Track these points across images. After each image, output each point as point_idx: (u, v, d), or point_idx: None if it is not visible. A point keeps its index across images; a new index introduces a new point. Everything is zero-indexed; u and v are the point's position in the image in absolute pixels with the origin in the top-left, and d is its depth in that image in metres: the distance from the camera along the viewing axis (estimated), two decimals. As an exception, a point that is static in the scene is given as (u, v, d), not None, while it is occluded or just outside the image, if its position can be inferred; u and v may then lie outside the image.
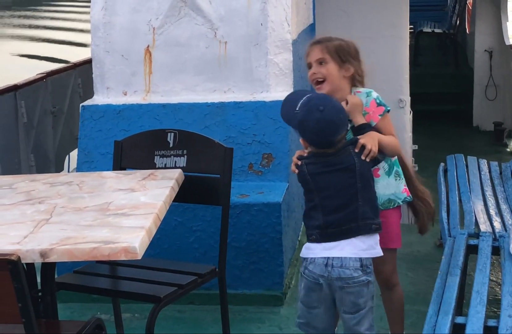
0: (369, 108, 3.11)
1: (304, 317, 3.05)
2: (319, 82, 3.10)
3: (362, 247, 2.94)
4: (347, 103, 3.06)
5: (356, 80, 3.15)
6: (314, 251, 2.97)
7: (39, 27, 23.72)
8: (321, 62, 3.08)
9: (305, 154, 3.02)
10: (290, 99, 3.02)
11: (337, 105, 2.94)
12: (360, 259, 2.93)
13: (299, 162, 3.00)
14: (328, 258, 2.93)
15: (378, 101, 3.13)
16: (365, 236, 2.95)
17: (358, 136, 3.01)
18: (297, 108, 2.91)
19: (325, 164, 2.96)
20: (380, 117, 3.10)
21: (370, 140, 2.99)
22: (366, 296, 2.95)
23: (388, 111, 3.14)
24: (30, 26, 24.04)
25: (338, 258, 2.93)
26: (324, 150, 2.96)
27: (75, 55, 7.12)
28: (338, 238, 2.94)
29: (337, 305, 2.99)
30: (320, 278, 2.94)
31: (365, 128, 3.04)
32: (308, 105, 2.90)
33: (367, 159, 2.97)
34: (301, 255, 3.03)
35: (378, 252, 2.99)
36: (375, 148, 2.98)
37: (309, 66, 3.13)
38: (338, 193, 2.95)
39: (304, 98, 2.92)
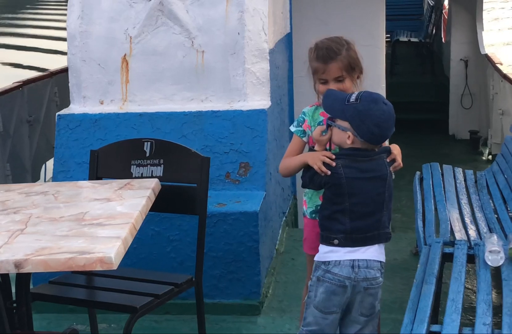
0: None
1: (316, 324, 3.02)
2: None
3: (380, 252, 3.03)
4: None
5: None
6: (337, 254, 2.98)
7: (22, 35, 23.62)
8: (339, 80, 3.12)
9: (333, 156, 3.00)
10: (333, 93, 3.04)
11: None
12: (380, 262, 3.01)
13: (333, 164, 2.97)
14: (354, 260, 2.96)
15: None
16: (381, 244, 3.05)
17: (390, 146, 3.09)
18: (353, 100, 2.93)
19: (361, 169, 2.97)
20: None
21: (399, 154, 3.10)
22: (379, 298, 3.05)
23: None
24: (13, 34, 23.94)
25: (363, 259, 2.98)
26: (371, 147, 2.96)
27: (59, 63, 7.08)
28: (362, 243, 2.99)
29: (355, 308, 3.01)
30: (346, 280, 2.95)
31: None
32: (371, 97, 2.94)
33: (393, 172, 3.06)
34: (320, 259, 3.01)
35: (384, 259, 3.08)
36: (401, 163, 3.09)
37: (323, 81, 3.12)
38: (368, 200, 2.99)
39: (360, 92, 2.96)
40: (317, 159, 3.02)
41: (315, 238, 3.18)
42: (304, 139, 3.20)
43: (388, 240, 3.06)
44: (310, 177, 3.04)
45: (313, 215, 3.22)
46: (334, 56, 3.12)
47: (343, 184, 2.95)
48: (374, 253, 3.01)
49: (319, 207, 3.16)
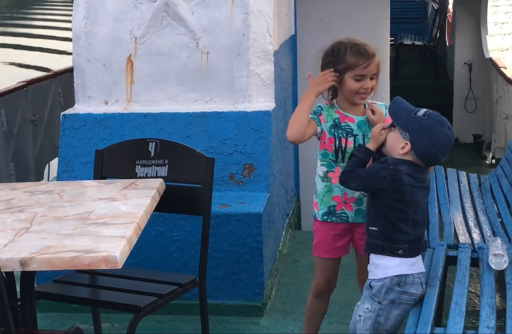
0: (387, 120, 3.16)
1: None
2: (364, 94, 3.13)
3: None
4: (373, 112, 3.12)
5: None
6: (403, 267, 2.93)
7: (29, 35, 23.64)
8: (373, 77, 3.11)
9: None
10: (402, 101, 3.03)
11: None
12: None
13: (336, 74, 3.04)
14: (419, 275, 2.96)
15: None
16: None
17: None
18: (421, 114, 2.92)
19: (420, 179, 2.95)
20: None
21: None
22: None
23: None
24: (20, 35, 23.96)
25: (422, 273, 2.99)
26: (420, 164, 2.94)
27: (66, 63, 7.09)
28: (417, 253, 2.98)
29: None
30: (418, 298, 2.96)
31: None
32: (439, 118, 2.93)
33: None
34: (391, 274, 2.92)
35: None
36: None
37: (360, 77, 3.09)
38: (423, 208, 2.99)
39: (429, 110, 2.95)
40: (322, 80, 3.03)
41: (331, 241, 3.17)
42: (318, 128, 3.15)
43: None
44: (364, 176, 2.95)
45: (325, 217, 3.19)
46: (374, 52, 3.12)
47: (406, 191, 2.91)
48: (422, 263, 3.01)
49: (331, 208, 3.14)
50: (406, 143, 2.92)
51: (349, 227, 3.21)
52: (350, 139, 3.15)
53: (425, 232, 3.10)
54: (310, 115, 3.13)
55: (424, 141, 2.90)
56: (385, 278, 2.93)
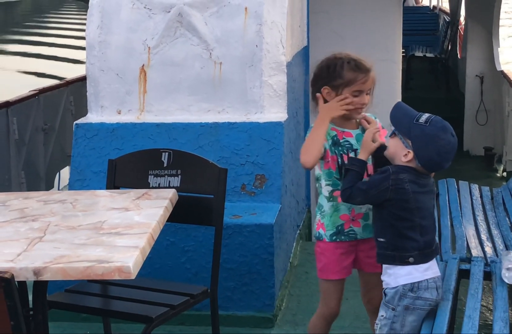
0: (383, 131, 3.15)
1: None
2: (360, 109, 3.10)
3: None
4: (368, 122, 3.09)
5: None
6: (415, 275, 2.89)
7: (44, 44, 23.76)
8: (368, 93, 3.08)
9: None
10: (404, 107, 2.98)
11: None
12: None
13: (350, 100, 2.99)
14: (435, 279, 2.92)
15: (381, 124, 3.18)
16: None
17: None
18: (422, 121, 2.87)
19: (422, 184, 2.93)
20: (387, 138, 3.12)
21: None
22: None
23: None
24: (34, 43, 24.08)
25: (438, 277, 2.95)
26: (423, 171, 2.91)
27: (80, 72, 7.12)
28: (430, 258, 2.94)
29: None
30: (434, 303, 2.92)
31: (385, 148, 3.04)
32: (441, 124, 2.88)
33: None
34: (403, 282, 2.89)
35: None
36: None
37: (357, 93, 3.05)
38: (430, 213, 2.95)
39: (431, 115, 2.90)
40: (337, 106, 2.99)
41: (339, 260, 3.12)
42: (322, 149, 3.08)
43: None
44: (366, 190, 2.91)
45: (334, 237, 3.12)
46: (370, 68, 3.08)
47: (410, 199, 2.88)
48: (437, 268, 2.97)
49: (339, 228, 3.09)
50: (408, 152, 2.89)
51: (355, 244, 3.15)
52: (352, 155, 3.10)
53: (436, 235, 3.04)
54: None
55: (428, 150, 2.86)
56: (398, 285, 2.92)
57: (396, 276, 2.92)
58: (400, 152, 2.91)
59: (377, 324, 2.98)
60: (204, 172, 3.35)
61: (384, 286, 2.98)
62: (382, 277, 2.99)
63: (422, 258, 2.91)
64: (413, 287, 2.90)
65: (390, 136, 2.98)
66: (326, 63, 3.13)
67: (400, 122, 2.93)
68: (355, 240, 3.14)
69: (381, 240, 2.95)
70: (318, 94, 3.12)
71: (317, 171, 3.15)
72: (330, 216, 3.12)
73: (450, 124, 2.96)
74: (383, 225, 2.95)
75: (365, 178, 3.02)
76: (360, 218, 3.12)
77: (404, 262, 2.90)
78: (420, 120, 2.88)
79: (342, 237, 3.13)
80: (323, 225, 3.14)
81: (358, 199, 2.96)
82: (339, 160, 3.09)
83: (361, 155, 3.02)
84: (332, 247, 3.13)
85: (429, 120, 2.87)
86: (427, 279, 2.91)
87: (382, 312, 2.95)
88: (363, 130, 3.12)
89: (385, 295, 2.96)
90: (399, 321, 2.91)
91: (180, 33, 4.38)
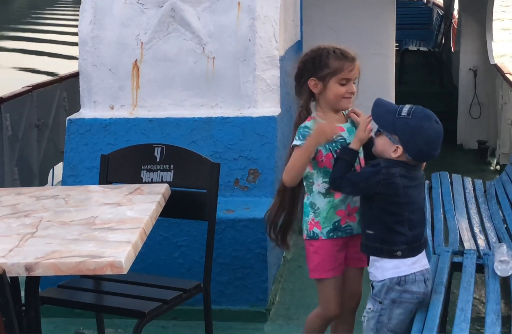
0: None
1: None
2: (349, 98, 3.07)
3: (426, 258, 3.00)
4: (357, 115, 3.08)
5: None
6: (402, 268, 2.89)
7: (37, 40, 23.68)
8: (354, 82, 3.06)
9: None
10: (384, 103, 2.96)
11: None
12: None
13: (338, 132, 2.97)
14: (422, 272, 2.91)
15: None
16: None
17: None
18: (405, 114, 2.85)
19: (413, 177, 2.92)
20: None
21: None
22: None
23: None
24: (29, 39, 24.01)
25: (426, 270, 2.95)
26: (414, 163, 2.90)
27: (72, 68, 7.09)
28: (418, 252, 2.94)
29: None
30: (422, 296, 2.92)
31: (373, 144, 3.03)
32: (424, 113, 2.88)
33: None
34: (390, 275, 2.89)
35: None
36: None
37: (345, 81, 3.02)
38: (419, 206, 2.96)
39: (412, 107, 2.88)
40: (324, 132, 2.93)
41: (334, 257, 3.08)
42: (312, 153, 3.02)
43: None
44: (357, 182, 2.90)
45: (331, 234, 3.08)
46: (355, 56, 3.06)
47: (400, 193, 2.88)
48: (426, 261, 2.97)
49: (336, 224, 3.06)
50: (397, 147, 2.88)
51: (348, 239, 3.13)
52: None
53: (425, 229, 3.04)
54: (300, 142, 3.00)
55: (416, 142, 2.86)
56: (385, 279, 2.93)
57: (383, 269, 2.92)
58: (389, 149, 2.91)
59: (364, 316, 2.98)
60: (197, 167, 3.35)
61: (371, 279, 2.99)
62: (369, 269, 2.99)
63: (410, 252, 2.91)
64: (400, 281, 2.90)
65: (375, 135, 2.98)
66: (311, 55, 3.09)
67: (383, 119, 2.93)
68: (350, 235, 3.12)
69: (370, 232, 2.95)
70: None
71: (307, 169, 3.08)
72: (327, 212, 3.08)
73: (443, 118, 2.96)
74: (371, 218, 2.95)
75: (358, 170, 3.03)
76: (355, 212, 3.10)
77: (392, 255, 2.90)
78: (403, 114, 2.87)
79: (339, 233, 3.10)
80: (318, 223, 3.09)
81: (347, 189, 2.97)
82: (335, 156, 3.04)
83: (353, 145, 3.00)
84: (329, 244, 3.09)
85: (411, 111, 2.87)
86: (414, 272, 2.92)
87: (369, 305, 2.95)
88: (353, 123, 3.11)
89: (373, 288, 2.96)
90: (386, 314, 2.91)
91: (173, 28, 4.37)
